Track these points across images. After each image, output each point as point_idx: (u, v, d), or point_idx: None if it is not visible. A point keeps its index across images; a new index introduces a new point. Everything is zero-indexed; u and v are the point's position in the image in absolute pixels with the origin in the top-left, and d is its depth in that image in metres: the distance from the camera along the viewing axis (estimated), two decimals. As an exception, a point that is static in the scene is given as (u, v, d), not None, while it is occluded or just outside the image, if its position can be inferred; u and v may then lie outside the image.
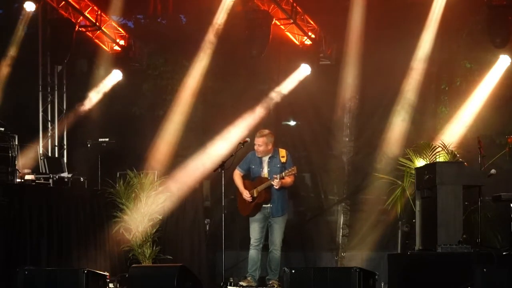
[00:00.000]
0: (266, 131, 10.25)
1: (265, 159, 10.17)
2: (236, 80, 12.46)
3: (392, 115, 11.88)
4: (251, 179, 10.29)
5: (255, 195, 10.10)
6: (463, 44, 11.84)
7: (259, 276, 10.26)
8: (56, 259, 10.37)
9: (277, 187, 9.98)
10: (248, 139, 10.30)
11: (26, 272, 8.92)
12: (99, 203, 11.27)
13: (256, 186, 10.11)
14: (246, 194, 10.08)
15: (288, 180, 10.08)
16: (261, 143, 10.10)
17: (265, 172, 10.17)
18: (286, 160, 10.13)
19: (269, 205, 10.08)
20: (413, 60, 11.73)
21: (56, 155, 13.22)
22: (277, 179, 9.93)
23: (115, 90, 13.07)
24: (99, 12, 12.58)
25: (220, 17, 12.10)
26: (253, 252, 10.11)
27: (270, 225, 10.12)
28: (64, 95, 13.44)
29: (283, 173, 9.99)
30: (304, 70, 12.46)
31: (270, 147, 10.15)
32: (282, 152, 10.17)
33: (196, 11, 12.61)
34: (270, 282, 10.13)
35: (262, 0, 11.96)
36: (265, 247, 10.28)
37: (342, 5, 11.87)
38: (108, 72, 13.05)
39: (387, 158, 11.66)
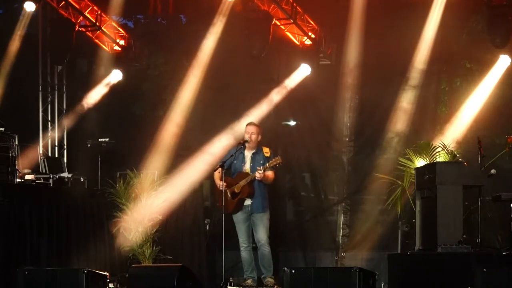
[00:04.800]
0: (256, 122, 10.19)
1: (248, 155, 10.07)
2: (236, 80, 12.41)
3: (391, 115, 11.85)
4: (231, 175, 10.19)
5: (236, 191, 9.99)
6: (463, 44, 11.80)
7: (257, 276, 10.18)
8: (56, 259, 10.34)
9: (259, 178, 9.82)
10: (248, 139, 10.18)
11: (26, 272, 8.86)
12: (99, 203, 11.25)
13: (238, 181, 10.00)
14: (220, 183, 9.93)
15: (270, 174, 9.95)
16: (254, 132, 10.00)
17: (247, 167, 10.05)
18: (270, 155, 10.02)
19: (250, 202, 9.96)
20: (413, 60, 11.69)
21: (56, 155, 13.19)
22: (261, 170, 9.79)
23: (115, 90, 13.06)
24: (99, 12, 12.57)
25: (220, 17, 12.12)
26: (245, 254, 10.08)
27: (253, 223, 10.00)
28: (64, 95, 13.44)
29: (267, 164, 9.83)
30: (304, 70, 12.42)
31: (260, 138, 10.07)
32: (266, 149, 10.06)
33: (196, 11, 12.59)
34: (266, 280, 10.06)
35: (262, 0, 11.95)
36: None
37: (342, 4, 11.83)
38: (108, 72, 13.02)
39: (387, 158, 11.67)
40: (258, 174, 9.82)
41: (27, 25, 12.44)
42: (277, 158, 9.84)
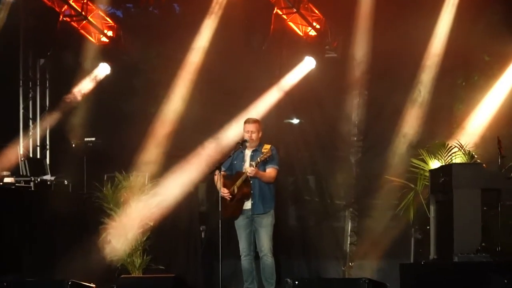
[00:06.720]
0: (255, 118, 9.98)
1: (248, 153, 9.74)
2: (235, 75, 12.18)
3: (403, 112, 11.67)
4: (231, 177, 9.90)
5: (235, 191, 9.67)
6: (481, 36, 11.55)
7: (258, 286, 9.90)
8: (38, 269, 10.31)
9: (250, 175, 9.47)
10: (247, 138, 9.85)
11: (5, 284, 8.83)
12: (85, 209, 11.28)
13: (235, 182, 9.64)
14: (224, 191, 9.62)
15: (268, 172, 9.58)
16: (254, 130, 9.67)
17: (246, 166, 9.66)
18: (270, 153, 9.68)
19: (249, 203, 9.60)
20: (426, 53, 11.50)
21: (38, 156, 13.11)
22: (252, 166, 9.46)
23: (103, 85, 12.85)
24: (85, 1, 12.39)
25: (217, 6, 12.02)
26: (245, 263, 9.75)
27: (255, 229, 9.64)
28: (47, 90, 13.35)
29: (258, 159, 9.49)
30: (308, 64, 12.20)
31: (260, 135, 9.77)
32: (266, 146, 9.63)
33: (190, -1, 12.70)
34: (267, 294, 9.89)
35: (262, -13, 12.07)
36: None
37: (349, -8, 11.95)
38: (95, 66, 12.85)
39: (398, 159, 11.51)
40: (249, 170, 9.47)
41: (7, 15, 12.21)
42: (266, 151, 9.53)
